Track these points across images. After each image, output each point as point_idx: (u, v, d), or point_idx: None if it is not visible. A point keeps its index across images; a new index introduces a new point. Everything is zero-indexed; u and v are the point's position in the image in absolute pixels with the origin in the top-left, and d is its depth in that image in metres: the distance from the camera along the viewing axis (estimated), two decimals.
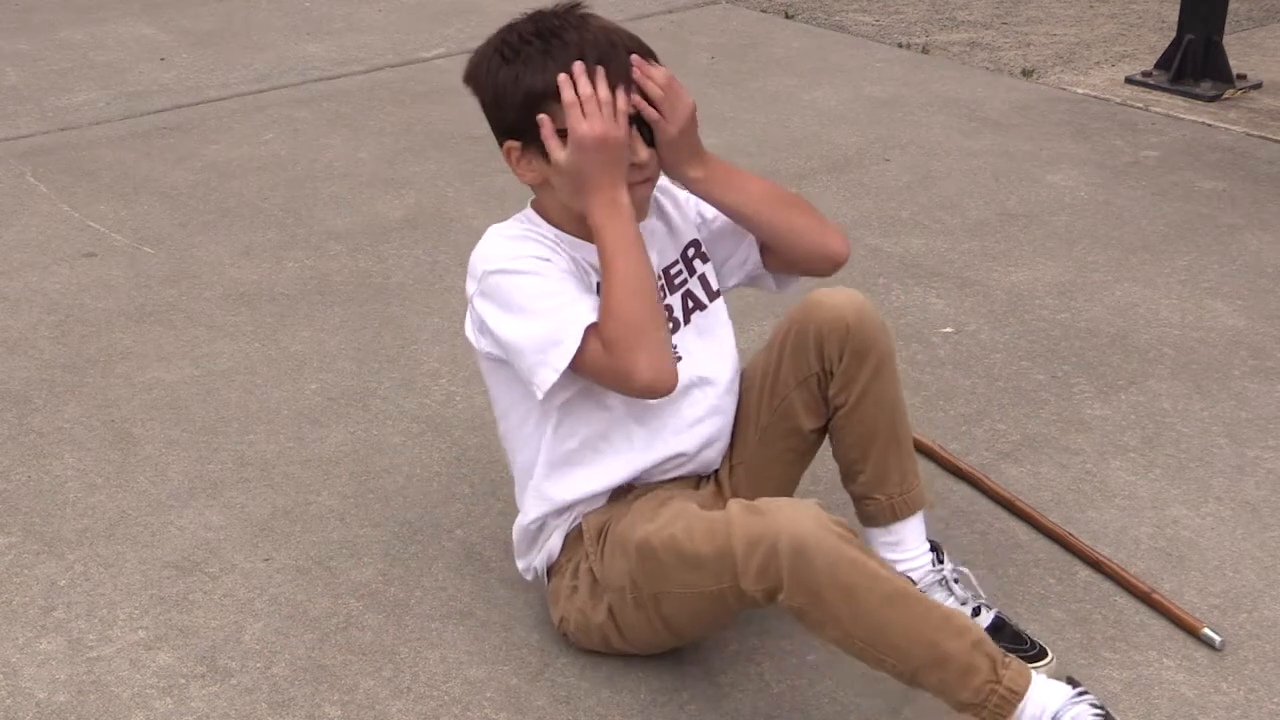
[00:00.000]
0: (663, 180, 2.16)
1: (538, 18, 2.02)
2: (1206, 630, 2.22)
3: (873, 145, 4.36)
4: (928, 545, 2.22)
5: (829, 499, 2.24)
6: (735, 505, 1.92)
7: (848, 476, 2.22)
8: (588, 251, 2.05)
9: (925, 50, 5.31)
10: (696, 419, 2.16)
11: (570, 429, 2.10)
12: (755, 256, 2.24)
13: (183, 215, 3.84)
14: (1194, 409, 2.89)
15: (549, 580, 2.21)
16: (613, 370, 1.95)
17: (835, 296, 2.15)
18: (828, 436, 2.23)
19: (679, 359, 2.10)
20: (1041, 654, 2.14)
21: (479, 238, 2.09)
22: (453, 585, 2.36)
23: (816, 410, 2.18)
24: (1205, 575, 2.39)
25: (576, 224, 2.07)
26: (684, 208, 2.24)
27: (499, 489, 2.60)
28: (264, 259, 3.58)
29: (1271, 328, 3.22)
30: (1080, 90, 4.85)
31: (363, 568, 2.42)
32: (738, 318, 2.30)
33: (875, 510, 2.20)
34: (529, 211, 2.14)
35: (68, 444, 2.78)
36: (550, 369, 1.97)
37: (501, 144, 2.07)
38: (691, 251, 2.21)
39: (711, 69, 5.02)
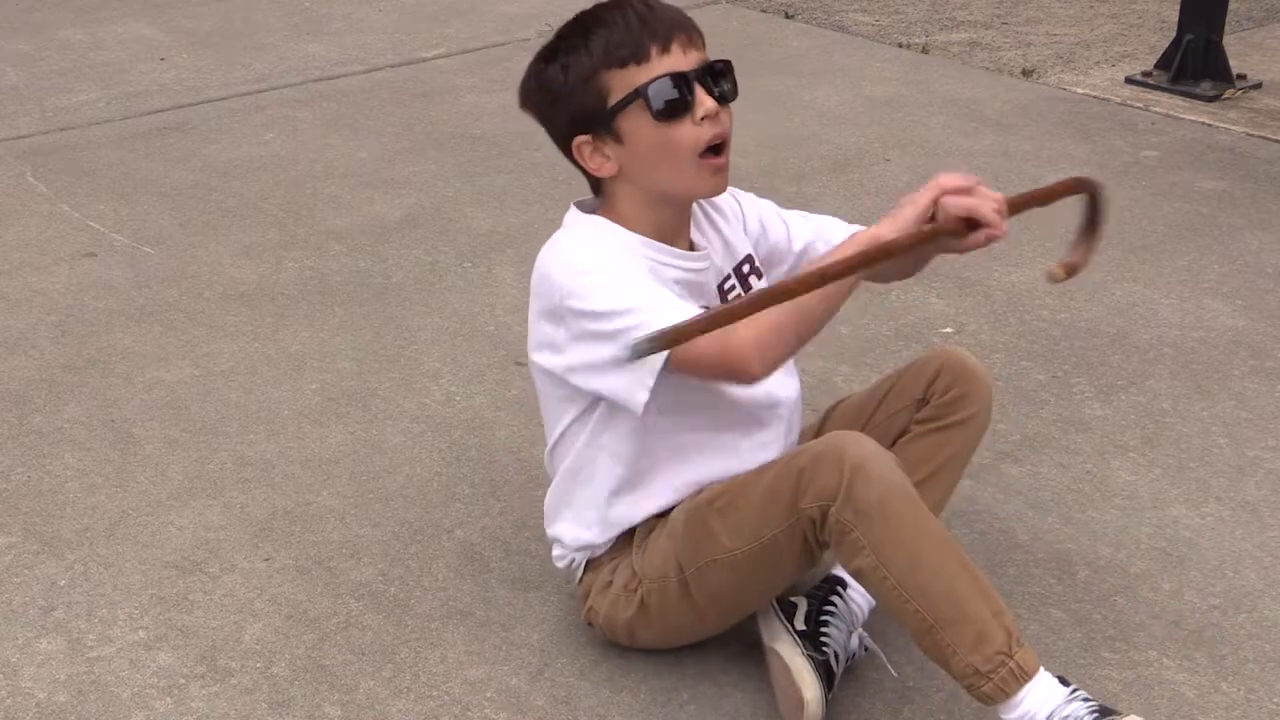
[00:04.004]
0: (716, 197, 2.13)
1: (563, 24, 2.02)
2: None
3: (873, 145, 4.36)
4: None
5: None
6: (790, 454, 1.97)
7: None
8: (669, 257, 2.03)
9: (925, 50, 5.31)
10: (765, 442, 2.12)
11: (649, 448, 2.06)
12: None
13: (183, 215, 3.84)
14: (1194, 409, 2.89)
15: (584, 571, 2.18)
16: (725, 359, 1.88)
17: (970, 354, 2.23)
18: None
19: None
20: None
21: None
22: (453, 585, 2.36)
23: (897, 434, 2.22)
24: (1205, 575, 2.39)
25: (656, 222, 2.03)
26: (737, 223, 2.20)
27: (499, 489, 2.61)
28: (264, 259, 3.58)
29: (1271, 328, 3.22)
30: (1080, 90, 4.85)
31: (363, 568, 2.42)
32: None
33: None
34: (597, 219, 2.06)
35: (68, 444, 2.78)
36: (641, 386, 1.92)
37: (568, 149, 2.03)
38: (747, 268, 2.17)
39: None
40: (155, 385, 2.99)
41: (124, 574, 2.40)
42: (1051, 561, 2.43)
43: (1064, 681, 1.89)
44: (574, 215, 2.10)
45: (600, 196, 2.10)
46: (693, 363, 1.90)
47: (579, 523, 2.14)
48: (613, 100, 1.96)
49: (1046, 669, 1.87)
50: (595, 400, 2.03)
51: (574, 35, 1.99)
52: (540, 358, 2.05)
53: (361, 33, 5.52)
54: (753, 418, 2.11)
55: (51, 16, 5.78)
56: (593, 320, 1.94)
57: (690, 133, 1.97)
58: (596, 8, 2.00)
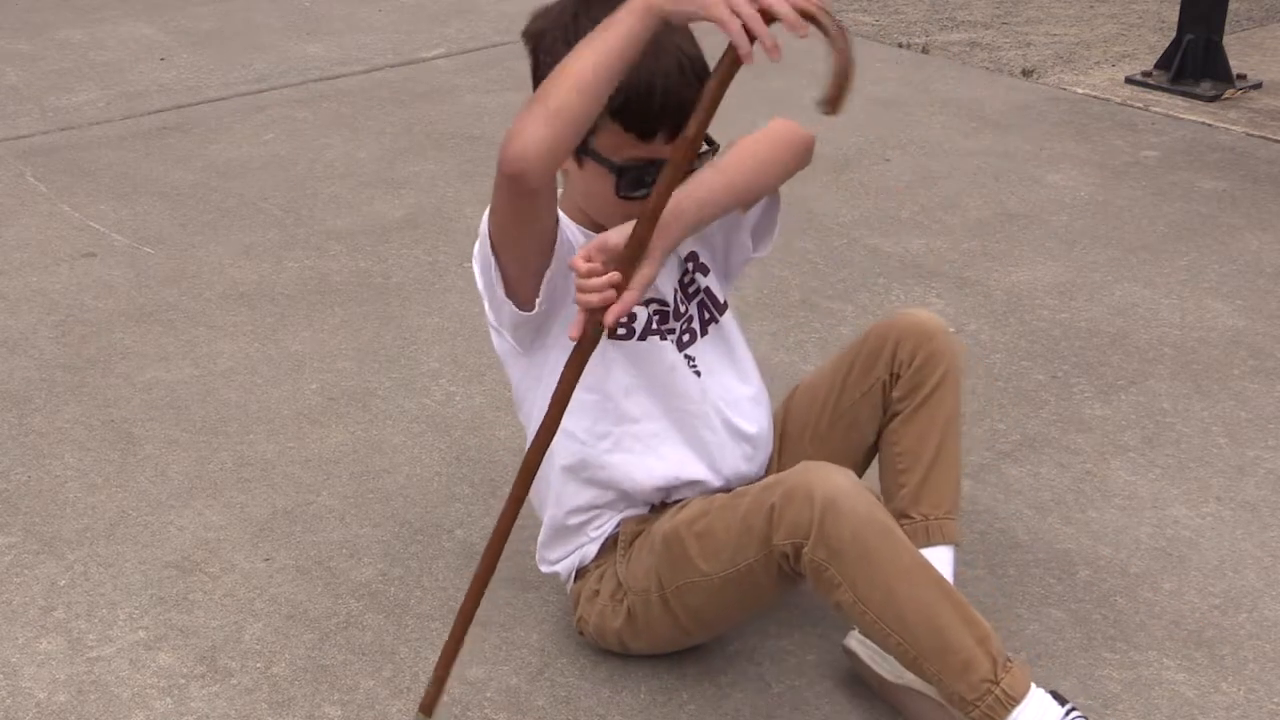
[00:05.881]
0: None
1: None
2: None
3: (873, 145, 4.36)
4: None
5: None
6: (762, 483, 1.95)
7: (889, 493, 2.17)
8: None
9: (925, 50, 5.31)
10: (738, 463, 2.13)
11: (604, 428, 2.07)
12: (747, 240, 2.20)
13: (183, 215, 3.84)
14: (1194, 409, 2.89)
15: (574, 581, 2.19)
16: (501, 169, 1.82)
17: (918, 311, 2.19)
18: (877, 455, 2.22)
19: (697, 373, 2.10)
20: None
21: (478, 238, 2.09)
22: (453, 585, 2.36)
23: (877, 419, 2.18)
24: (1205, 575, 2.39)
25: (590, 220, 2.06)
26: None
27: (499, 489, 2.60)
28: (264, 259, 3.58)
29: (1271, 328, 3.22)
30: (1080, 90, 4.85)
31: (363, 568, 2.42)
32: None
33: (909, 530, 2.06)
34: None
35: (68, 444, 2.78)
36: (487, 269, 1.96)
37: None
38: (691, 264, 2.17)
39: None
40: (155, 385, 2.99)
41: (124, 574, 2.40)
42: (1051, 561, 2.43)
43: (1060, 699, 1.87)
44: None
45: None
46: (495, 216, 1.94)
47: (566, 490, 2.14)
48: (597, 143, 1.96)
49: (1049, 670, 1.87)
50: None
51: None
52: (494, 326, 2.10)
53: (361, 33, 5.52)
54: (712, 418, 2.11)
55: (51, 16, 5.78)
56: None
57: (632, 205, 1.95)
58: (653, 46, 1.88)
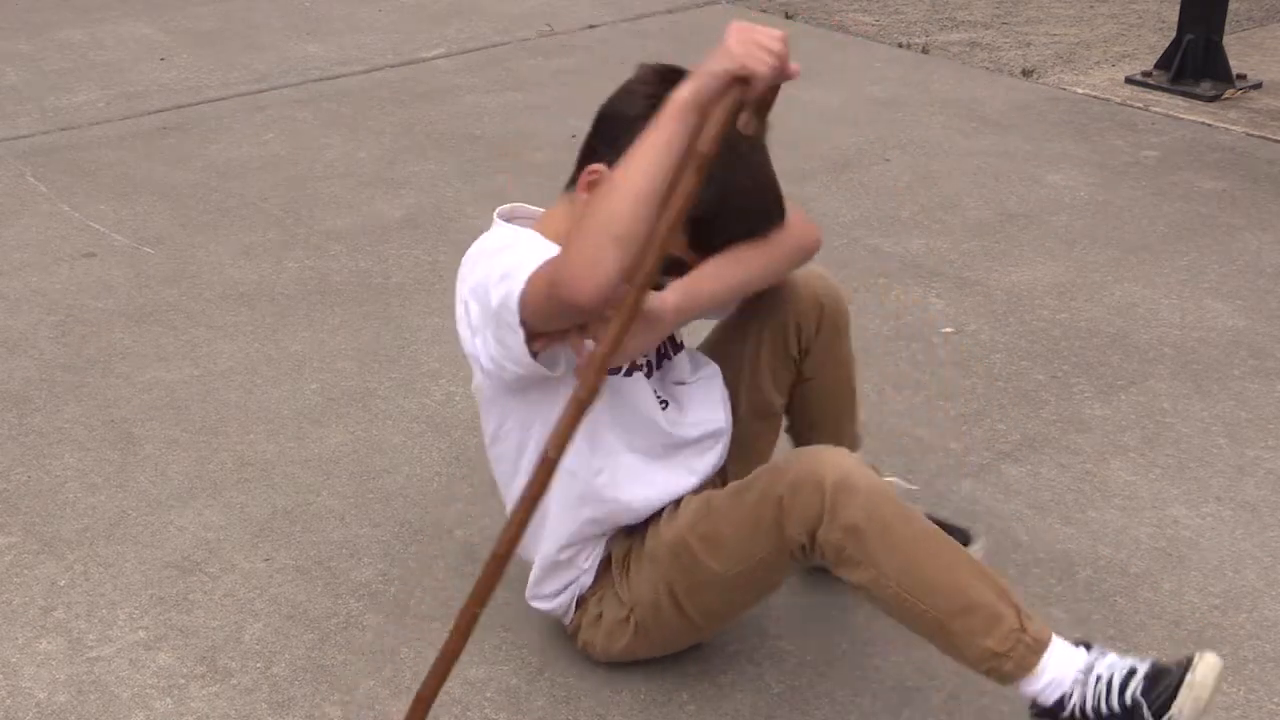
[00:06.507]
0: None
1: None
2: None
3: (873, 145, 4.35)
4: None
5: None
6: (776, 459, 1.97)
7: (803, 436, 2.27)
8: None
9: (925, 50, 5.31)
10: (711, 461, 2.16)
11: (596, 458, 2.06)
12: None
13: (183, 215, 3.84)
14: (1194, 409, 2.89)
15: (574, 611, 2.17)
16: (550, 272, 1.78)
17: (803, 280, 2.18)
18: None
19: (664, 405, 2.11)
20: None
21: (478, 237, 2.08)
22: (453, 585, 2.36)
23: (787, 387, 2.23)
24: (1205, 575, 2.39)
25: None
26: None
27: (499, 489, 2.60)
28: (264, 259, 3.58)
29: (1271, 328, 3.22)
30: (1080, 90, 4.85)
31: (363, 568, 2.42)
32: None
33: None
34: (543, 240, 2.02)
35: (68, 444, 2.78)
36: (509, 293, 1.85)
37: (587, 160, 2.02)
38: None
39: None
40: (155, 385, 2.99)
41: (124, 574, 2.40)
42: (1051, 561, 2.43)
43: (1086, 645, 1.91)
44: (501, 229, 2.08)
45: (547, 210, 2.10)
46: (534, 307, 1.85)
47: (560, 522, 2.12)
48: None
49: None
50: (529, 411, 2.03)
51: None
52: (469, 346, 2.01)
53: (361, 33, 5.52)
54: (689, 446, 2.13)
55: (51, 16, 5.78)
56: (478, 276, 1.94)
57: None
58: (754, 174, 1.98)
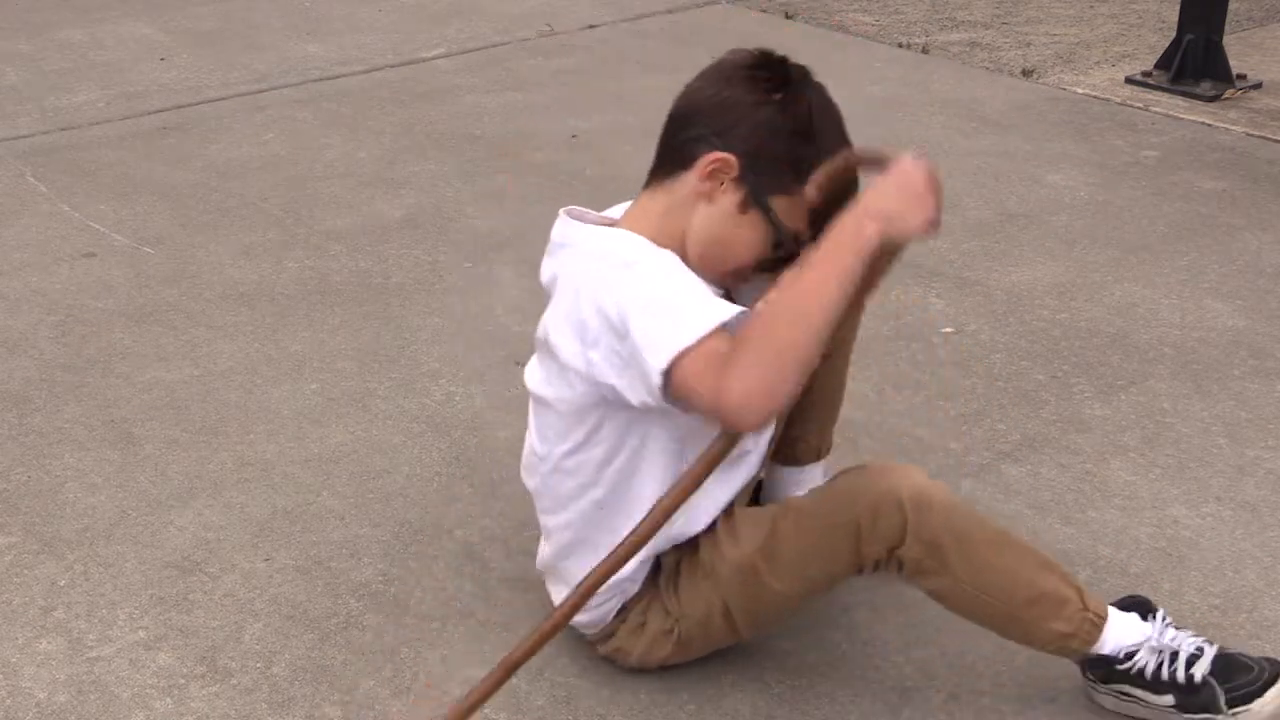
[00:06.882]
0: None
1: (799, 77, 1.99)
2: None
3: (873, 145, 4.34)
4: None
5: None
6: (841, 481, 1.98)
7: (792, 421, 2.23)
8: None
9: (925, 50, 5.31)
10: (747, 478, 2.13)
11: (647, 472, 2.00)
12: None
13: (183, 215, 3.84)
14: (1194, 409, 2.89)
15: (613, 618, 2.11)
16: (714, 381, 1.73)
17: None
18: None
19: None
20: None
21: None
22: (453, 585, 2.36)
23: None
24: (1205, 575, 2.39)
25: (680, 242, 1.97)
26: None
27: (499, 489, 2.60)
28: (264, 259, 3.58)
29: (1271, 328, 3.22)
30: (1080, 90, 4.85)
31: (363, 568, 2.42)
32: None
33: (803, 450, 2.27)
34: (638, 238, 1.96)
35: (68, 444, 2.78)
36: (669, 342, 1.77)
37: (694, 145, 1.95)
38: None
39: None
40: (155, 385, 2.99)
41: (124, 574, 2.40)
42: None
43: (1141, 610, 2.02)
44: (573, 228, 2.03)
45: (636, 205, 2.03)
46: (685, 393, 1.79)
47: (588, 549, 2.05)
48: (776, 202, 1.93)
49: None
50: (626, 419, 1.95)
51: (815, 101, 1.98)
52: (572, 356, 1.93)
53: (361, 33, 5.52)
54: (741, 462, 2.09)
55: (51, 16, 5.78)
56: (625, 297, 1.85)
57: (752, 268, 1.98)
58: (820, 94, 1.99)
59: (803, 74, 2.01)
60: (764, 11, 5.80)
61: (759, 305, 1.79)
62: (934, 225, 1.78)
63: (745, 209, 1.95)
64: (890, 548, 1.93)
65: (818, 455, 2.29)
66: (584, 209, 2.09)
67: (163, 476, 2.68)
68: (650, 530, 1.82)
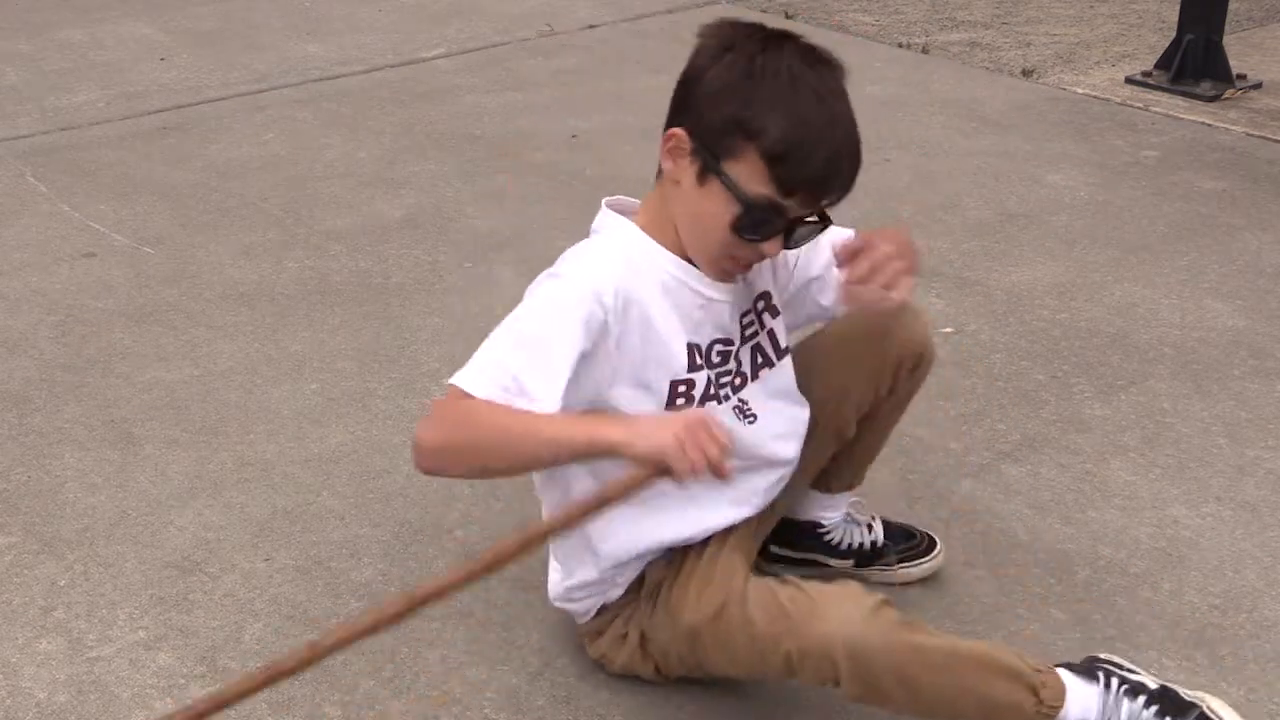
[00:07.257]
0: None
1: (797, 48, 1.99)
2: None
3: (873, 145, 4.33)
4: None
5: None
6: (777, 605, 1.89)
7: (836, 457, 2.28)
8: (693, 280, 1.97)
9: (925, 50, 5.31)
10: (766, 488, 2.12)
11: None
12: (819, 298, 2.19)
13: (183, 215, 3.84)
14: (1194, 409, 2.89)
15: (592, 616, 2.13)
16: (434, 415, 1.85)
17: (915, 323, 2.18)
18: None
19: (752, 420, 2.04)
20: (931, 545, 2.36)
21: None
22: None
23: (859, 419, 2.23)
24: (1205, 575, 2.39)
25: (679, 244, 1.97)
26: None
27: (499, 488, 2.60)
28: (264, 259, 3.58)
29: (1271, 328, 3.22)
30: (1080, 90, 4.85)
31: (363, 568, 2.42)
32: None
33: (836, 482, 2.32)
34: (630, 227, 1.98)
35: (68, 444, 2.78)
36: (466, 374, 1.89)
37: (670, 123, 1.93)
38: (762, 304, 2.10)
39: None
40: (155, 385, 2.99)
41: (124, 574, 2.40)
42: (1051, 561, 2.43)
43: (1095, 663, 1.95)
44: (605, 217, 2.02)
45: (646, 197, 2.04)
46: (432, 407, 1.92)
47: (579, 562, 2.08)
48: (731, 166, 1.88)
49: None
50: None
51: (783, 75, 1.95)
52: None
53: (361, 33, 5.52)
54: (755, 470, 2.09)
55: (51, 16, 5.78)
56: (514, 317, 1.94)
57: (735, 243, 1.93)
58: (830, 110, 1.98)
59: (771, 37, 1.99)
60: (764, 11, 5.80)
61: (506, 412, 1.80)
62: (714, 471, 1.70)
63: (704, 180, 1.91)
64: (824, 683, 1.88)
65: (849, 487, 2.35)
66: (626, 198, 2.06)
67: (163, 476, 2.68)
68: (551, 529, 1.83)
